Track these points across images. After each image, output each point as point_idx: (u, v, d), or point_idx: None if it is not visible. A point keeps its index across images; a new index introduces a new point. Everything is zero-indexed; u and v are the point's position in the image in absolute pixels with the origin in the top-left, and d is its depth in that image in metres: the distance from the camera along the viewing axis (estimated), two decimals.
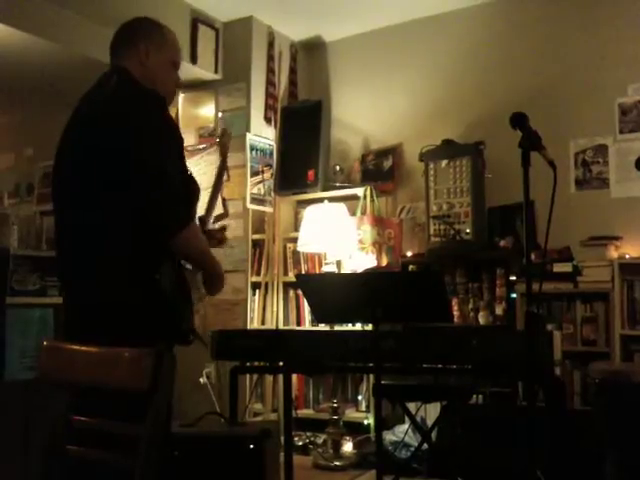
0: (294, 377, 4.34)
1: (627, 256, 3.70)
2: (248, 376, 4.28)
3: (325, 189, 4.55)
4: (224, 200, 4.58)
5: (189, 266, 2.07)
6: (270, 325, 4.51)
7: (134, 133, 1.87)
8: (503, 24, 4.39)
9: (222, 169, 2.50)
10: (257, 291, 4.62)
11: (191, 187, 2.07)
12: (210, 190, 2.44)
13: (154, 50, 2.08)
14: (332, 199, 4.38)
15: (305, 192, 4.62)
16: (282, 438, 2.91)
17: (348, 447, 3.94)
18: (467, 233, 3.93)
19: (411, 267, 4.19)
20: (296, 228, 4.62)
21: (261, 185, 4.63)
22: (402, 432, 3.71)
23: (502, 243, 3.95)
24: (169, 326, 1.94)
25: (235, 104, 4.68)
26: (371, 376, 3.98)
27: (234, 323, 4.45)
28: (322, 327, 3.93)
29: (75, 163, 1.94)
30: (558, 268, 3.69)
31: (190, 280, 2.06)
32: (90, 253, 1.90)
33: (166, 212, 1.87)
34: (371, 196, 4.40)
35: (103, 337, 1.61)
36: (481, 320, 3.92)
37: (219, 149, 2.54)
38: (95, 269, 1.89)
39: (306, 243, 4.23)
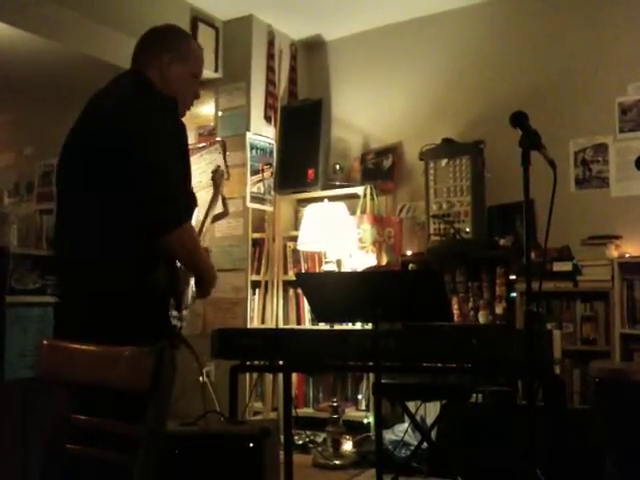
0: (294, 376, 4.34)
1: (627, 255, 3.69)
2: (248, 375, 4.28)
3: (325, 188, 4.55)
4: (224, 199, 4.57)
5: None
6: (270, 324, 4.51)
7: (139, 134, 1.87)
8: (503, 23, 4.39)
9: (213, 202, 2.52)
10: (257, 290, 4.61)
11: (191, 191, 2.08)
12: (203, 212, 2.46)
13: (177, 62, 2.09)
14: (332, 198, 4.38)
15: (305, 191, 4.62)
16: (282, 437, 2.91)
17: (348, 446, 3.94)
18: (467, 232, 3.93)
19: (411, 266, 4.19)
20: (296, 227, 4.62)
21: (261, 184, 4.62)
22: (402, 431, 3.71)
23: (502, 242, 3.95)
24: (163, 325, 1.94)
25: (235, 103, 4.68)
26: (371, 375, 3.98)
27: (234, 322, 4.45)
28: (322, 326, 3.93)
29: (80, 162, 1.94)
30: (558, 267, 3.69)
31: (183, 280, 2.06)
32: (92, 253, 1.90)
33: (162, 209, 1.87)
34: (371, 195, 4.40)
35: (96, 333, 1.60)
36: (481, 319, 3.92)
37: (212, 185, 2.57)
38: (97, 268, 1.89)
39: (306, 242, 4.23)
